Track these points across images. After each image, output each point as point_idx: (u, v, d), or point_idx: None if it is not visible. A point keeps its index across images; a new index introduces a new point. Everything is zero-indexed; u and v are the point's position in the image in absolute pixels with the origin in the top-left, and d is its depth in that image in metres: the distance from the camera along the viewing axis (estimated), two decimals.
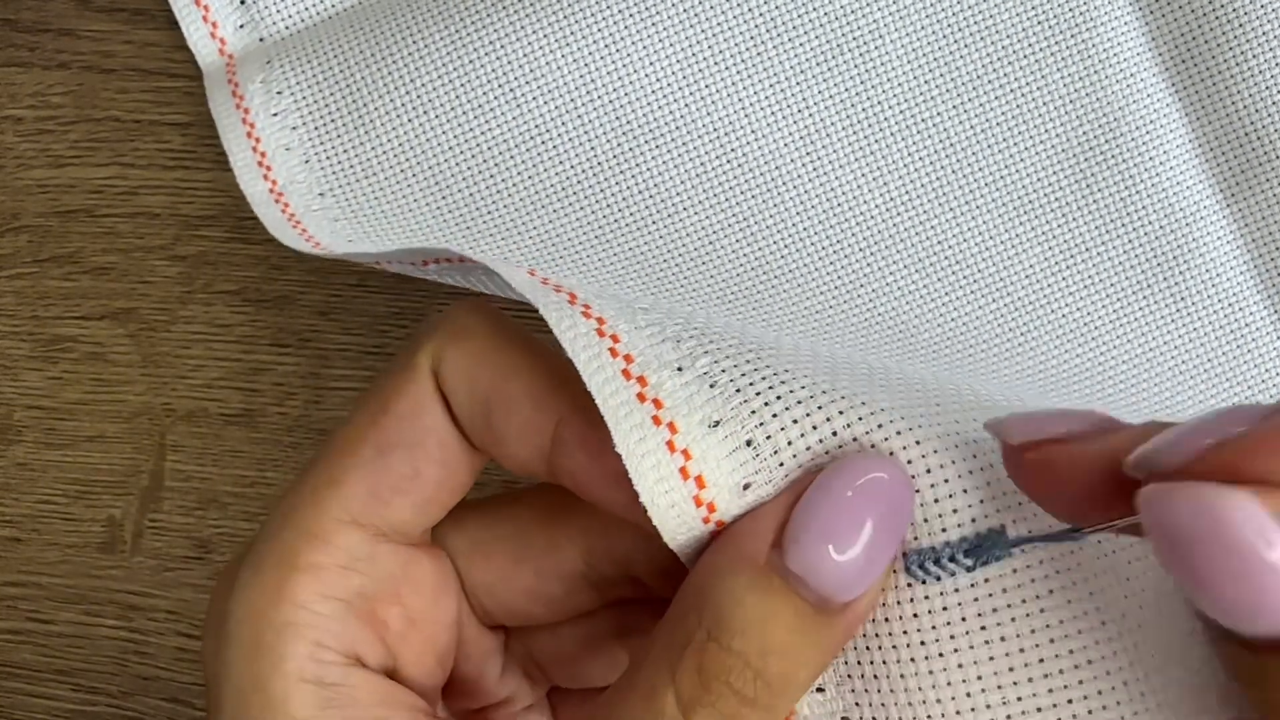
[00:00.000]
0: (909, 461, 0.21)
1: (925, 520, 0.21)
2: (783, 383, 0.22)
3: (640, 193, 0.34)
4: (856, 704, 0.22)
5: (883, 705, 0.22)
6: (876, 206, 0.34)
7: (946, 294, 0.34)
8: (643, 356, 0.22)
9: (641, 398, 0.21)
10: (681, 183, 0.34)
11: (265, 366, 0.36)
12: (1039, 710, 0.21)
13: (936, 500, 0.21)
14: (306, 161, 0.34)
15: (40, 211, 0.37)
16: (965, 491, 0.21)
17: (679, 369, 0.22)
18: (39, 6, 0.37)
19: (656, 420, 0.21)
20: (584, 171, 0.34)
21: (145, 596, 0.37)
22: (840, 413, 0.21)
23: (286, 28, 0.35)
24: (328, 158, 0.34)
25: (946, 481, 0.21)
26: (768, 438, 0.21)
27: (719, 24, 0.34)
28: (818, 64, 0.34)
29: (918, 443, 0.21)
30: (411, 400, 0.23)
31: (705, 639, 0.20)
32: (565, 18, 0.33)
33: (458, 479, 0.24)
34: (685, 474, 0.21)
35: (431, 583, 0.24)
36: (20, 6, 0.37)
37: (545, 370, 0.22)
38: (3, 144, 0.37)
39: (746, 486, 0.21)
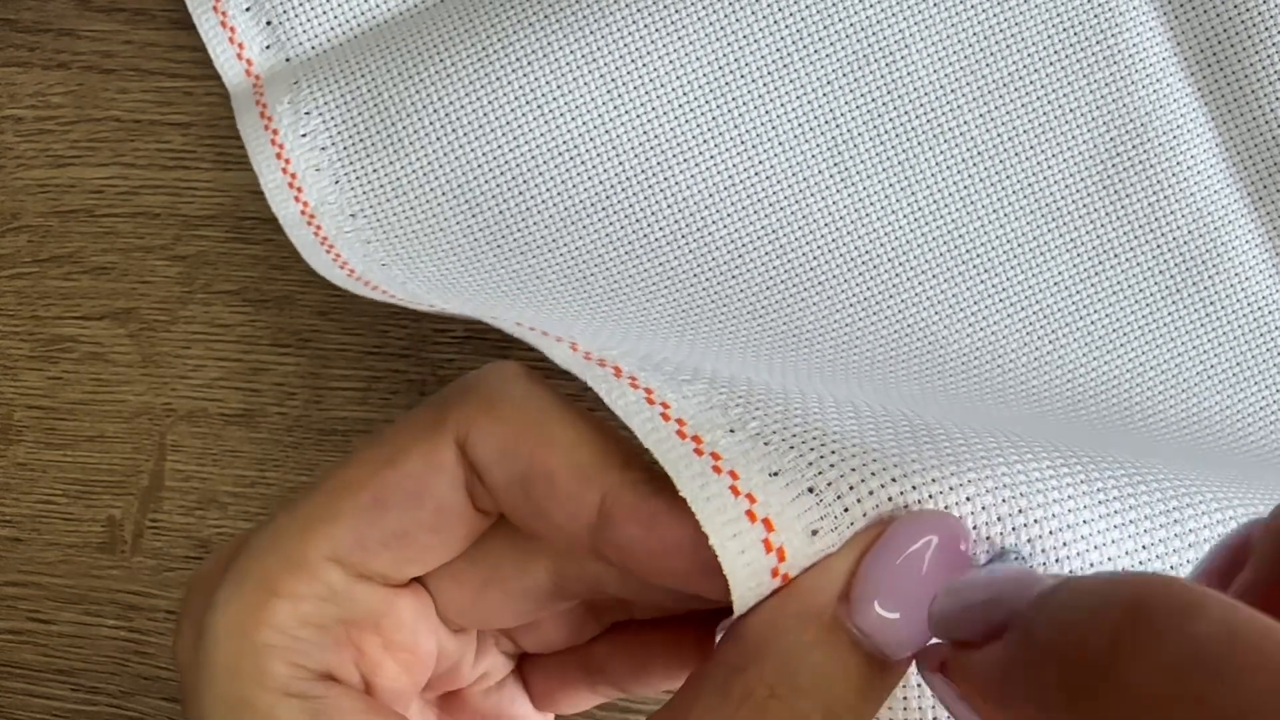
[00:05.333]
0: (962, 517, 0.21)
1: None
2: (834, 440, 0.22)
3: (669, 207, 0.34)
4: None
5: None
6: (905, 216, 0.34)
7: (975, 303, 0.34)
8: (694, 420, 0.22)
9: (699, 452, 0.21)
10: (710, 196, 0.34)
11: (265, 366, 0.36)
12: None
13: (977, 555, 0.21)
14: (336, 182, 0.34)
15: (40, 211, 0.37)
16: (1000, 537, 0.21)
17: (731, 430, 0.22)
18: (39, 6, 0.37)
19: (717, 470, 0.21)
20: (612, 187, 0.34)
21: (145, 596, 0.37)
22: (895, 464, 0.21)
23: (313, 48, 0.35)
24: (358, 178, 0.34)
25: (988, 540, 0.21)
26: (829, 484, 0.21)
27: (745, 37, 0.33)
28: (844, 75, 0.34)
29: (968, 499, 0.21)
30: (422, 461, 0.23)
31: (767, 695, 0.19)
32: (592, 33, 0.33)
33: (448, 545, 0.24)
34: (753, 517, 0.20)
35: (410, 618, 0.24)
36: (20, 6, 0.37)
37: (587, 441, 0.22)
38: (3, 144, 0.37)
39: (815, 532, 0.21)
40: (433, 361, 0.36)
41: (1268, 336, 0.34)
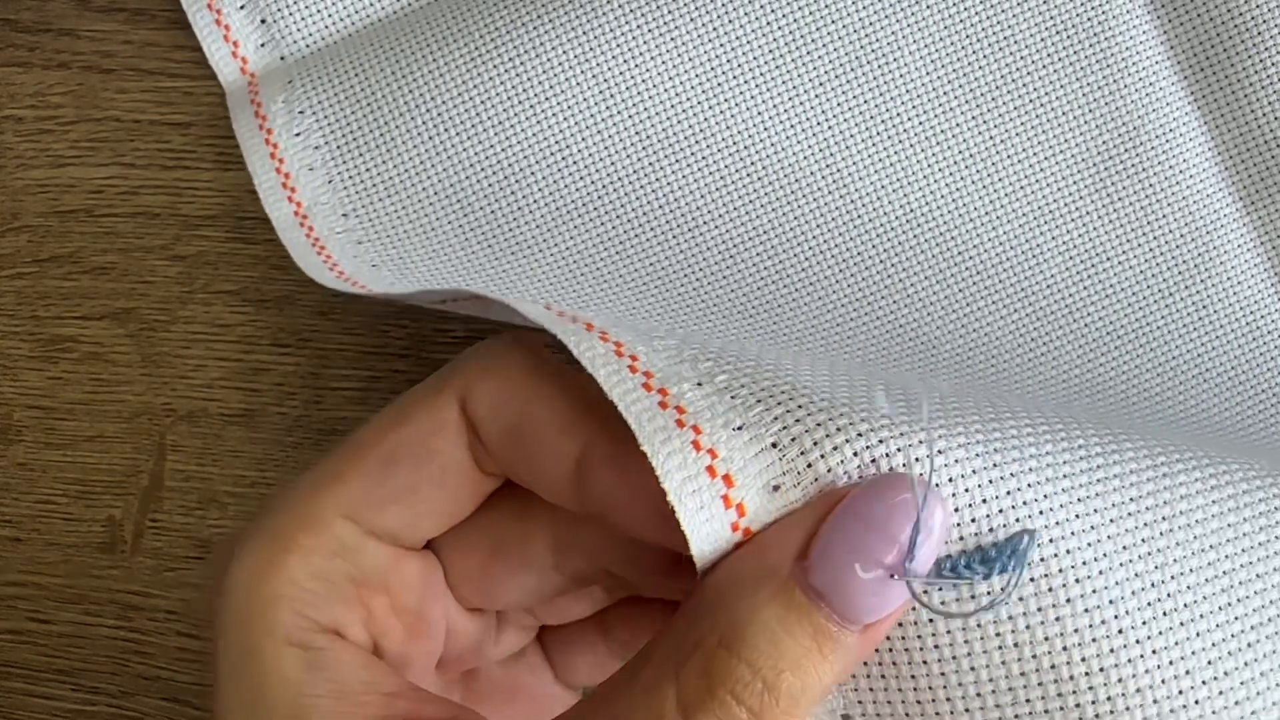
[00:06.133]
0: (933, 471, 0.21)
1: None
2: (802, 395, 0.22)
3: (660, 207, 0.34)
4: (859, 702, 0.22)
5: (889, 704, 0.22)
6: (896, 218, 0.34)
7: (967, 304, 0.34)
8: (662, 373, 0.22)
9: (664, 405, 0.21)
10: (702, 196, 0.34)
11: (265, 366, 0.36)
12: (1046, 711, 0.21)
13: (956, 510, 0.21)
14: (330, 181, 0.34)
15: (40, 211, 0.37)
16: (984, 502, 0.21)
17: (698, 384, 0.22)
18: (39, 6, 0.37)
19: (680, 424, 0.21)
20: (604, 187, 0.34)
21: (145, 596, 0.37)
22: (863, 419, 0.21)
23: (307, 46, 0.35)
24: (350, 177, 0.34)
25: (967, 491, 0.21)
26: (793, 440, 0.21)
27: (738, 37, 0.34)
28: (837, 76, 0.34)
29: (940, 452, 0.21)
30: (428, 421, 0.24)
31: (716, 645, 0.20)
32: (584, 33, 0.33)
33: (456, 504, 0.25)
34: (713, 472, 0.21)
35: (418, 581, 0.25)
36: (20, 6, 0.37)
37: (572, 397, 0.23)
38: (3, 144, 0.37)
39: (776, 488, 0.21)
40: (433, 362, 0.36)
41: (1261, 339, 0.34)
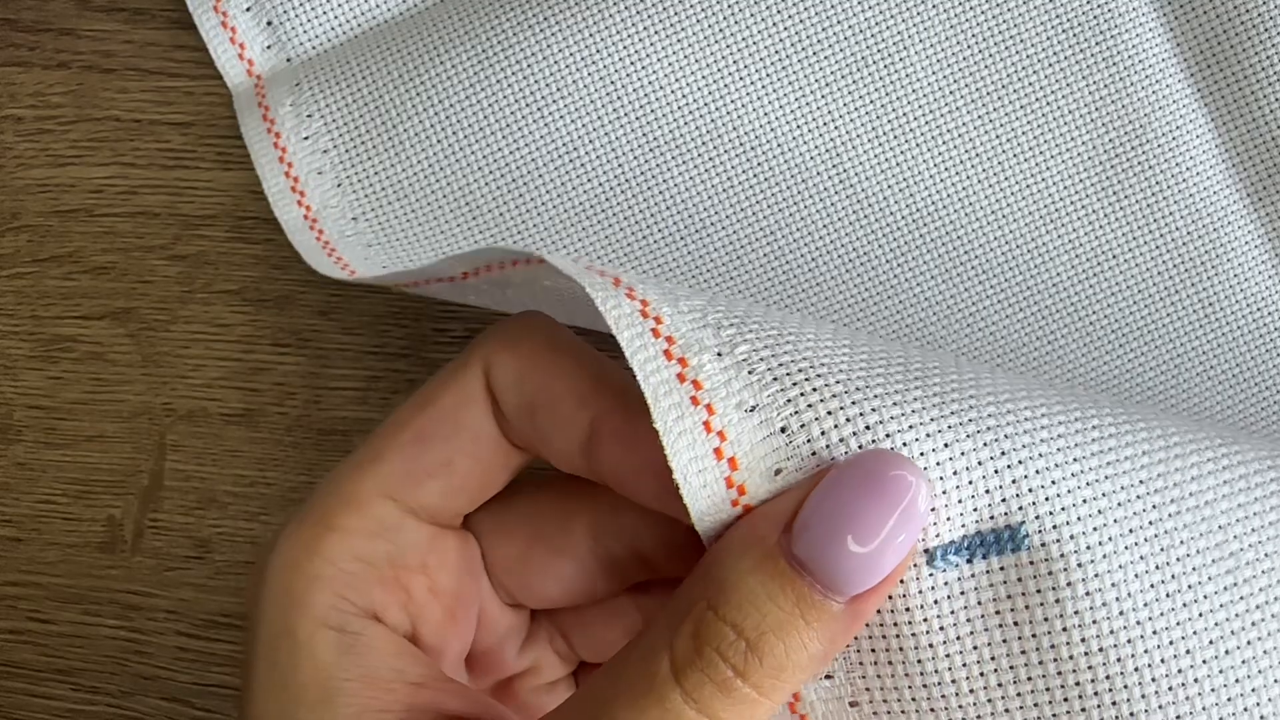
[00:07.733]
0: (937, 464, 0.21)
1: (949, 519, 0.21)
2: (819, 375, 0.22)
3: (667, 208, 0.34)
4: (867, 689, 0.22)
5: (895, 689, 0.22)
6: (903, 217, 0.34)
7: (974, 303, 0.34)
8: (684, 339, 0.22)
9: (681, 378, 0.22)
10: (708, 197, 0.34)
11: (265, 366, 0.36)
12: (1048, 689, 0.21)
13: (960, 500, 0.21)
14: (339, 185, 0.34)
15: (40, 211, 0.37)
16: (988, 492, 0.21)
17: (719, 354, 0.22)
18: (39, 6, 0.37)
19: (695, 401, 0.22)
20: (611, 188, 0.34)
21: (145, 596, 0.37)
22: (874, 409, 0.22)
23: (313, 48, 0.35)
24: (360, 180, 0.34)
25: (970, 484, 0.21)
26: (802, 426, 0.21)
27: (744, 38, 0.34)
28: (843, 76, 0.34)
29: (945, 445, 0.21)
30: (455, 396, 0.25)
31: (705, 608, 0.21)
32: (590, 35, 0.33)
33: (489, 474, 0.25)
34: (719, 455, 0.21)
35: (455, 561, 0.26)
36: (20, 6, 0.37)
37: (588, 371, 0.24)
38: (3, 144, 0.37)
39: (778, 472, 0.22)
40: (433, 362, 0.36)
41: (1267, 337, 0.34)
